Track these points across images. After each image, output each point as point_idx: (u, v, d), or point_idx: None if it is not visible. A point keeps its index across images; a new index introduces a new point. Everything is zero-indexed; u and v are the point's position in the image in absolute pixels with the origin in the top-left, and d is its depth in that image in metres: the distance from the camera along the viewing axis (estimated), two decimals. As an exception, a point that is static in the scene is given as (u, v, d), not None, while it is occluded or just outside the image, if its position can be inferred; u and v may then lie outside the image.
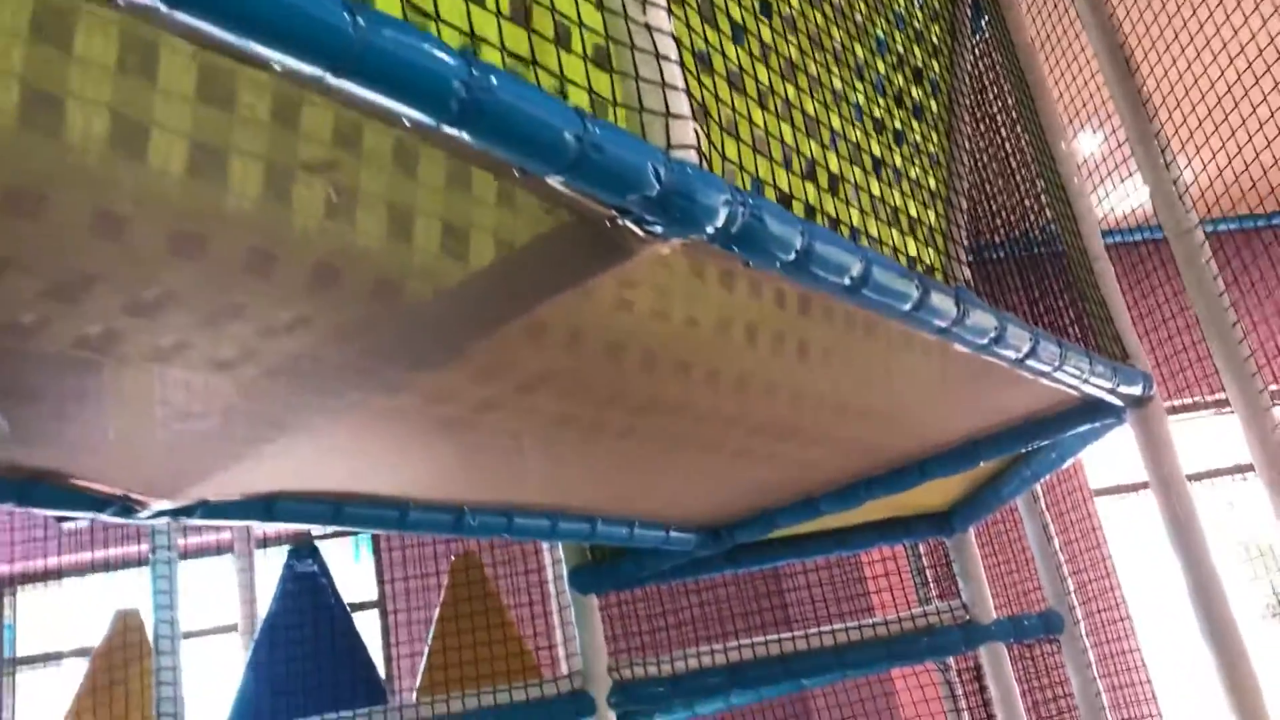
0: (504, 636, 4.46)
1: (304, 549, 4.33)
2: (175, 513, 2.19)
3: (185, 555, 4.19)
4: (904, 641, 4.07)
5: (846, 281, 1.68)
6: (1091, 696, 4.04)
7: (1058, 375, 2.37)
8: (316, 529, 5.03)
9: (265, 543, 5.69)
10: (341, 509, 2.41)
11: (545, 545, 4.52)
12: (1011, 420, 3.04)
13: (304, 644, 3.97)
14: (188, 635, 3.89)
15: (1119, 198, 4.26)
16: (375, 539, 6.19)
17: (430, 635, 4.68)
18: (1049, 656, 4.72)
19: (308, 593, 4.13)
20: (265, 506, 2.31)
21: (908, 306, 1.83)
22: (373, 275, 1.48)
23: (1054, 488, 5.49)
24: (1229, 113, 3.80)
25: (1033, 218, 3.28)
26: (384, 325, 1.61)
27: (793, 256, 1.56)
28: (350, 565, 6.13)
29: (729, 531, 3.69)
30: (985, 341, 2.06)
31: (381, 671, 5.58)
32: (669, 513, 3.55)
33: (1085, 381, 2.51)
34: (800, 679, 4.25)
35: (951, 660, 5.42)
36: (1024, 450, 3.24)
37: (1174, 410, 4.95)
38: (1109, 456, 6.82)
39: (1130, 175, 3.65)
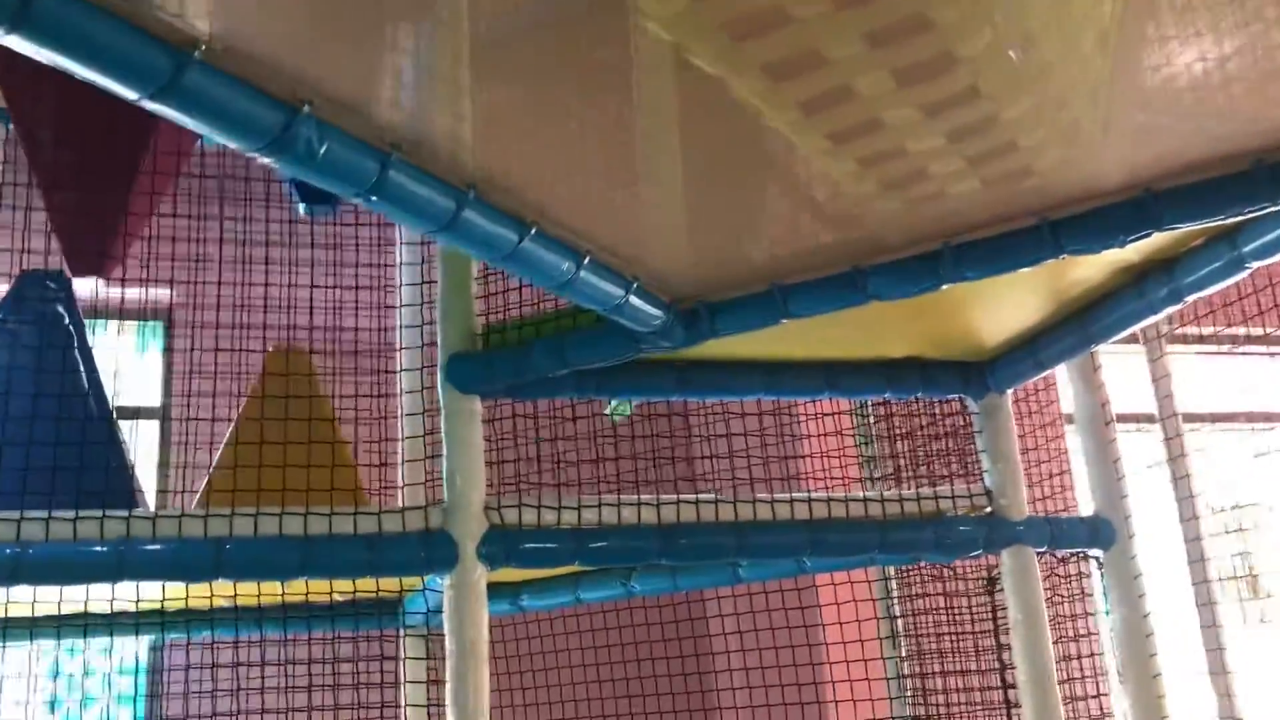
0: (330, 451, 3.07)
1: (48, 274, 2.85)
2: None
3: None
4: (900, 529, 2.88)
5: None
6: (1140, 638, 2.94)
7: None
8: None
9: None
10: None
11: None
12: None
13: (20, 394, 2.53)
14: None
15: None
16: (170, 328, 4.65)
17: (224, 444, 3.26)
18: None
19: (40, 330, 2.67)
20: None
21: None
22: None
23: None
24: None
25: None
26: None
27: None
28: (130, 358, 4.61)
29: (713, 314, 2.40)
30: None
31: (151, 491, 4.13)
32: (651, 259, 2.24)
33: None
34: (744, 558, 3.03)
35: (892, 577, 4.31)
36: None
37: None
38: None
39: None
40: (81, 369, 2.69)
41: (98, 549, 2.39)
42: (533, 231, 1.95)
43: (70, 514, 2.41)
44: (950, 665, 4.00)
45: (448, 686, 2.51)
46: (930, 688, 4.01)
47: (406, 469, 3.24)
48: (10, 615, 3.29)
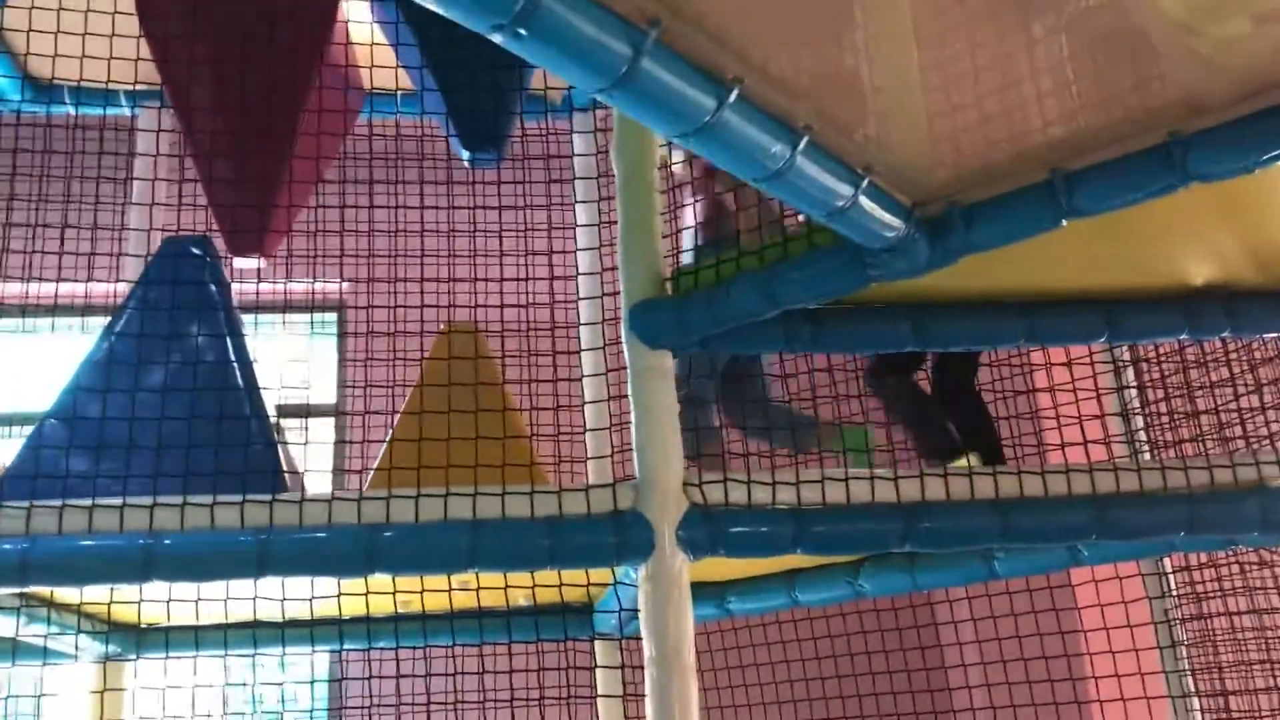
0: (503, 431, 2.65)
1: (192, 239, 2.56)
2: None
3: None
4: (1213, 503, 2.24)
5: None
6: None
7: None
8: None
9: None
10: None
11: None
12: None
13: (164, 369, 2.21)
14: None
15: None
16: (342, 318, 4.34)
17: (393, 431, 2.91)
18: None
19: (183, 297, 2.36)
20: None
21: None
22: None
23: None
24: None
25: None
26: None
27: None
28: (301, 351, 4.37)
29: (968, 219, 1.85)
30: None
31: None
32: (887, 145, 1.72)
33: None
34: (1008, 544, 2.46)
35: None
36: None
37: None
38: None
39: None
40: (227, 339, 2.37)
41: (238, 539, 2.05)
42: (734, 95, 1.46)
43: (207, 499, 2.08)
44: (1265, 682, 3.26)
45: (648, 702, 2.04)
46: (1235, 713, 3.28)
47: (590, 441, 2.80)
48: (175, 624, 3.04)
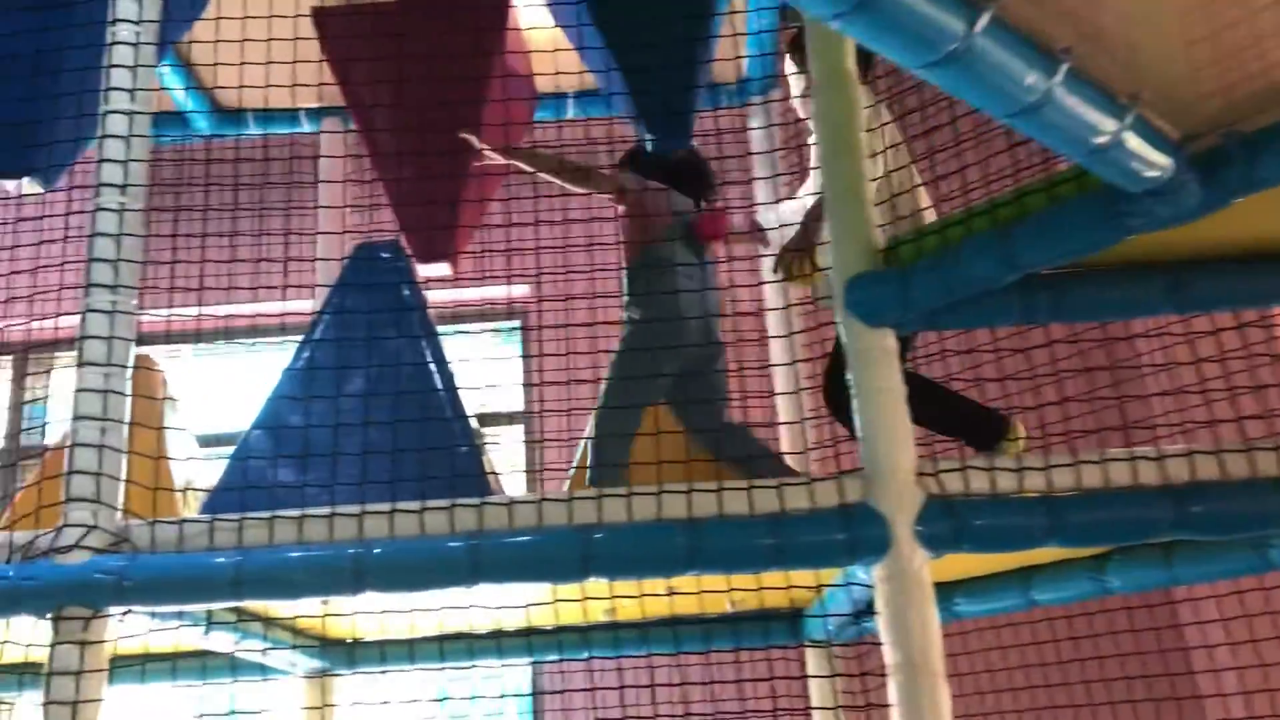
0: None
1: (382, 245, 2.52)
2: None
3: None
4: None
5: None
6: None
7: None
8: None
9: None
10: None
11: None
12: None
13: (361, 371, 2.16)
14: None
15: None
16: (526, 325, 4.29)
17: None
18: None
19: (378, 302, 2.31)
20: None
21: None
22: None
23: None
24: None
25: None
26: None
27: None
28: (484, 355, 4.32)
29: (1251, 151, 1.60)
30: None
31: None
32: (1152, 69, 1.49)
33: None
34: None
35: None
36: None
37: None
38: None
39: None
40: (423, 343, 2.31)
41: (450, 545, 1.96)
42: (985, 19, 1.27)
43: (416, 505, 2.00)
44: None
45: (895, 715, 1.85)
46: None
47: (806, 428, 2.63)
48: (390, 638, 3.02)
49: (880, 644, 1.89)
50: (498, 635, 3.04)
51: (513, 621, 2.99)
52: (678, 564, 1.96)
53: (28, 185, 2.59)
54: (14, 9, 2.42)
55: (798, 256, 2.55)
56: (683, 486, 1.99)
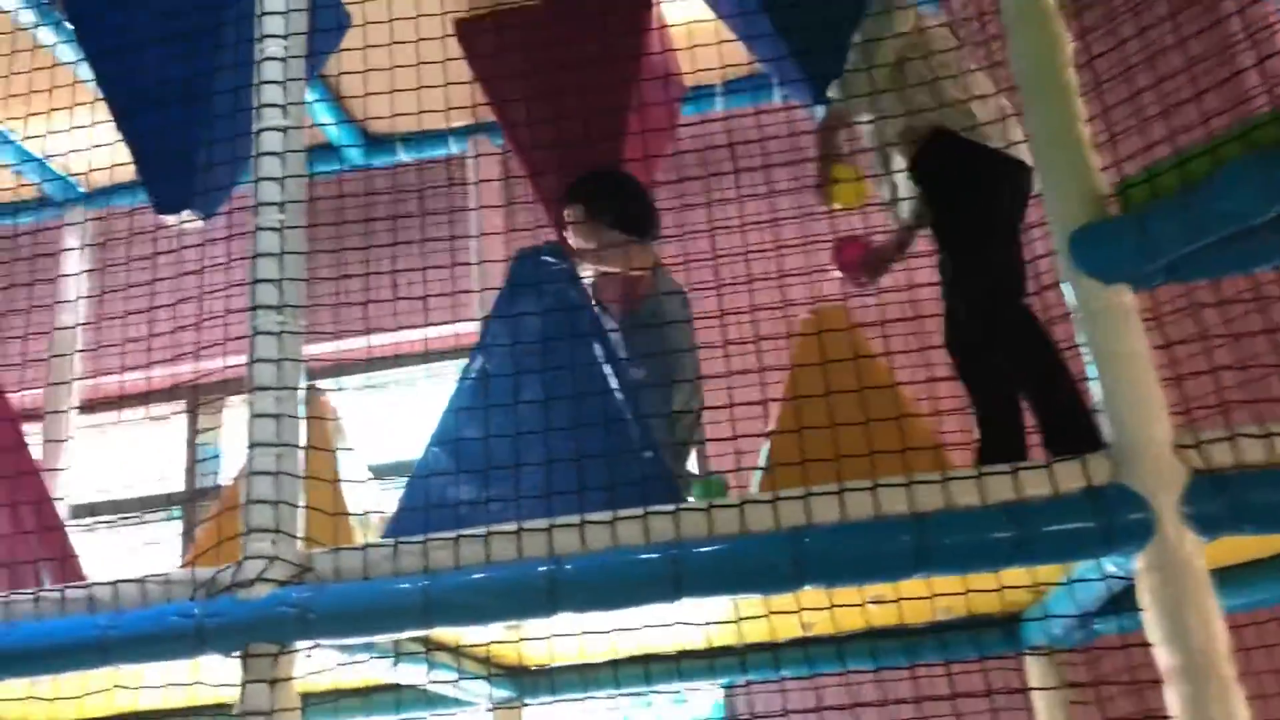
0: (895, 412, 2.23)
1: (546, 248, 2.38)
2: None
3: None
4: None
5: None
6: None
7: None
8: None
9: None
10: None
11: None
12: None
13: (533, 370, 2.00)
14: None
15: None
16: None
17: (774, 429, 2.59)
18: None
19: (546, 306, 2.17)
20: None
21: None
22: None
23: None
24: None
25: None
26: None
27: None
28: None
29: None
30: None
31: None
32: None
33: None
34: None
35: None
36: None
37: None
38: None
39: None
40: (595, 341, 2.15)
41: (648, 558, 1.79)
42: None
43: (606, 515, 1.84)
44: None
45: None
46: None
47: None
48: (558, 664, 2.85)
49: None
50: (679, 657, 2.84)
51: (695, 641, 2.79)
52: (904, 566, 1.74)
53: (188, 218, 2.55)
54: (162, 40, 2.39)
55: (823, 174, 2.45)
56: (902, 479, 1.77)
